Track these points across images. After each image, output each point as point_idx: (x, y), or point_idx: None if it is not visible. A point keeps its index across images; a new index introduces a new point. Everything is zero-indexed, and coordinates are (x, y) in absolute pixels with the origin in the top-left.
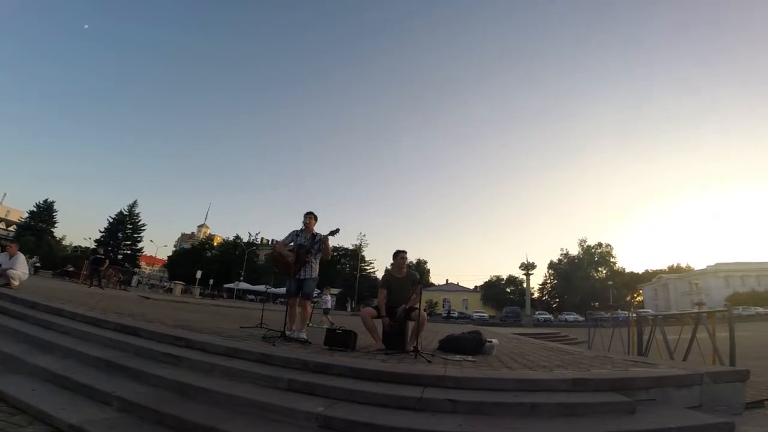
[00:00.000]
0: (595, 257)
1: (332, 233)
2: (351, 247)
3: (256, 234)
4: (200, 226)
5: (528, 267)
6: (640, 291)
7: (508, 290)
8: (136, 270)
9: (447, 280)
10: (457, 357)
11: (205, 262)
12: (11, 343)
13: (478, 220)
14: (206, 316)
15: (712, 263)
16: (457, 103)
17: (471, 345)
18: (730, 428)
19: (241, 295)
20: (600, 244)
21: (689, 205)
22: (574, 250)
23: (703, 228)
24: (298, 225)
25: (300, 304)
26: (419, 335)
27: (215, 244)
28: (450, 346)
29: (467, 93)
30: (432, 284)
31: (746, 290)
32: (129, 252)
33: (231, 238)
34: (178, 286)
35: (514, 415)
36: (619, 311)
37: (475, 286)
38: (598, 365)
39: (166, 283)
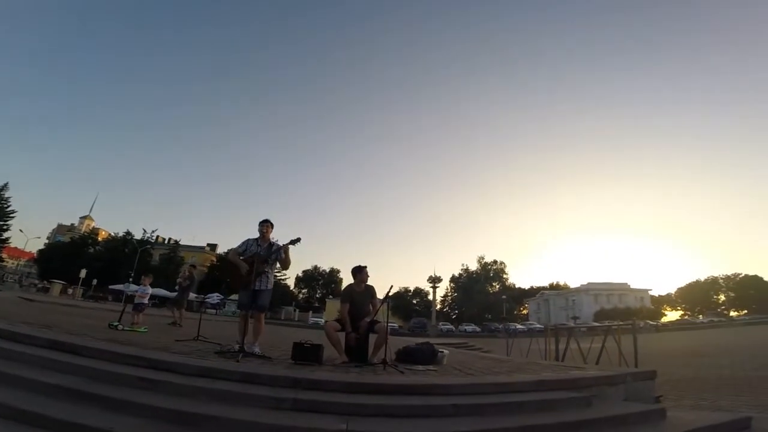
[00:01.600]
0: (490, 273)
1: (293, 242)
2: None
3: (152, 232)
4: (83, 218)
5: (435, 280)
6: (526, 305)
7: (414, 302)
8: None
9: None
10: (420, 367)
11: (87, 259)
12: None
13: (388, 232)
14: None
15: (585, 282)
16: (367, 116)
17: (426, 356)
18: (664, 413)
19: (129, 298)
20: (495, 261)
21: (570, 231)
22: (473, 266)
23: (580, 251)
24: (200, 226)
25: (253, 317)
26: (386, 347)
27: (100, 239)
28: (407, 357)
29: (377, 108)
30: None
31: (610, 306)
32: None
33: (120, 235)
34: (56, 286)
35: (510, 412)
36: (509, 323)
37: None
38: (541, 370)
39: (36, 281)
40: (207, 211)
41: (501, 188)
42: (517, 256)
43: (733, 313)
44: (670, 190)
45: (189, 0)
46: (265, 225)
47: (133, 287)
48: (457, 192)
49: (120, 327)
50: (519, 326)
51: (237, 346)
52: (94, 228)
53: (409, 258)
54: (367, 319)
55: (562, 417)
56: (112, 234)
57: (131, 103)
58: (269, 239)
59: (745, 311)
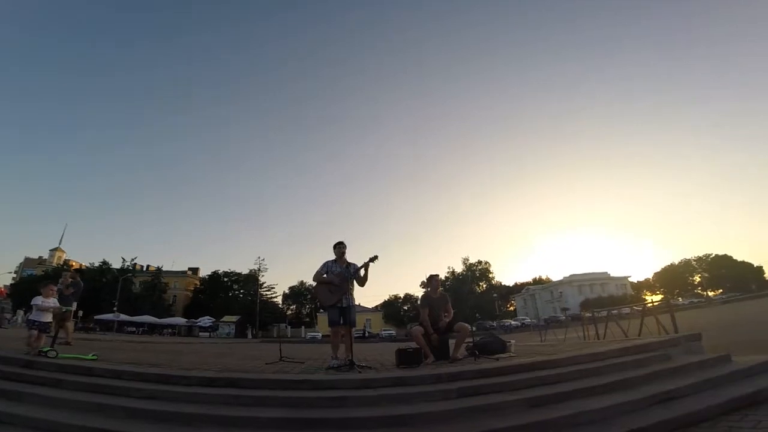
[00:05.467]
0: (476, 273)
1: (372, 260)
2: (247, 272)
3: (132, 260)
4: (53, 250)
5: (426, 285)
6: (512, 301)
7: (406, 308)
8: None
9: None
10: (503, 355)
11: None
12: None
13: (372, 242)
14: (186, 357)
15: (567, 275)
16: (363, 117)
17: (498, 346)
18: (729, 358)
19: (118, 327)
20: (480, 261)
21: (546, 226)
22: (459, 268)
23: (558, 244)
24: (179, 251)
25: (345, 331)
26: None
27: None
28: (483, 349)
29: (360, 110)
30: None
31: (594, 296)
32: None
33: (96, 265)
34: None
35: (620, 371)
36: (503, 320)
37: (376, 306)
38: (607, 344)
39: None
40: (185, 236)
41: (479, 190)
42: (499, 255)
43: (710, 293)
44: (638, 180)
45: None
46: (342, 246)
47: (124, 316)
48: (437, 197)
49: (54, 353)
50: (513, 322)
51: (337, 362)
52: (65, 260)
53: (396, 266)
54: (447, 320)
55: (661, 366)
56: (87, 265)
57: (95, 123)
58: (346, 260)
59: (721, 290)
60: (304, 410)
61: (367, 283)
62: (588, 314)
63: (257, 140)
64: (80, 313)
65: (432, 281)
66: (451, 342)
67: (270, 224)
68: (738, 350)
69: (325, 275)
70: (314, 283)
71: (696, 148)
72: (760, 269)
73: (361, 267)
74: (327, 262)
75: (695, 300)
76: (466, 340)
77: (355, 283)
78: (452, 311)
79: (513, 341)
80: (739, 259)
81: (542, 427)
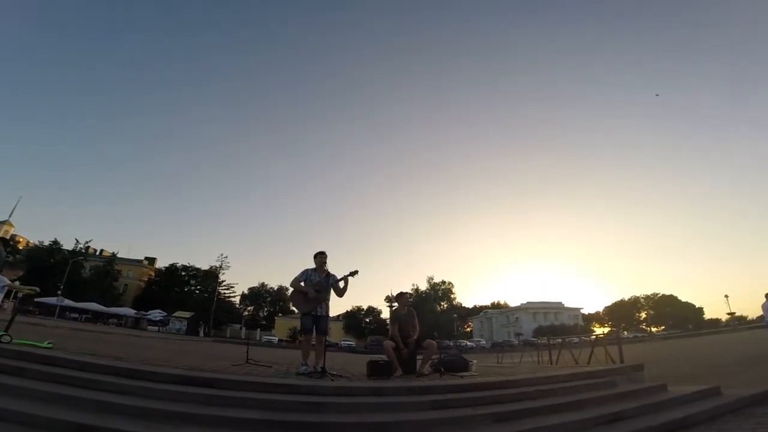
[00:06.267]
0: (439, 292)
1: (352, 274)
2: (207, 268)
3: (86, 243)
4: (1, 223)
5: (392, 300)
6: (470, 322)
7: (367, 320)
8: None
9: None
10: (465, 374)
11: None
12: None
13: (339, 251)
14: (145, 352)
15: (524, 301)
16: (328, 132)
17: (461, 365)
18: (665, 387)
19: (60, 312)
20: (443, 282)
21: (509, 253)
22: (423, 286)
23: (518, 271)
24: (137, 238)
25: (316, 340)
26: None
27: (20, 247)
28: (447, 366)
29: (333, 127)
30: (294, 312)
31: (548, 324)
32: None
33: (46, 244)
34: None
35: (572, 393)
36: (460, 341)
37: (338, 315)
38: (557, 369)
39: None
40: (147, 223)
41: (446, 212)
42: (462, 276)
43: (653, 329)
44: (602, 218)
45: None
46: (323, 256)
47: (69, 301)
48: (406, 214)
49: (8, 338)
50: (469, 343)
51: (306, 368)
52: (12, 235)
53: (361, 278)
54: (413, 338)
55: (608, 392)
56: (35, 243)
57: (65, 105)
58: (326, 270)
59: (663, 327)
60: (282, 413)
61: (345, 293)
62: (543, 341)
63: (238, 141)
64: (19, 294)
65: (401, 298)
66: (418, 358)
67: (238, 223)
68: (673, 381)
69: (302, 283)
70: (283, 289)
71: (661, 187)
72: (700, 310)
73: (341, 279)
74: (307, 269)
75: (639, 334)
76: (432, 357)
77: (333, 293)
78: (418, 327)
79: (475, 361)
80: (683, 300)
81: None
